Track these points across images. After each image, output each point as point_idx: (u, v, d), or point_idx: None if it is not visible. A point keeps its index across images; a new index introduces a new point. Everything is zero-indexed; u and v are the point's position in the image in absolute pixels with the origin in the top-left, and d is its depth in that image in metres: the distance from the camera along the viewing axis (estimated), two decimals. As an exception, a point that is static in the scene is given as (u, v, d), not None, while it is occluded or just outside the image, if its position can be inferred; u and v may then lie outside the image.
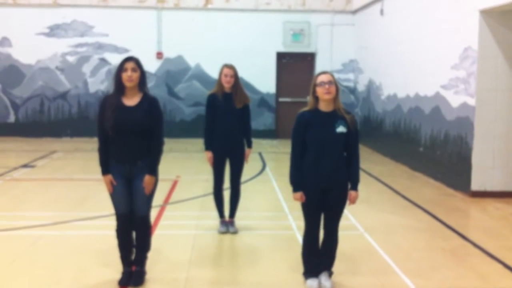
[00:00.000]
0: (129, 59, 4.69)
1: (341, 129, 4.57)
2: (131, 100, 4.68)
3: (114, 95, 4.68)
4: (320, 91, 4.55)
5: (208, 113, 6.42)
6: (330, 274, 4.93)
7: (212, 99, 6.40)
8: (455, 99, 9.18)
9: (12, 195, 8.39)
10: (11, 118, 15.42)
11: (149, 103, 4.72)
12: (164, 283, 4.98)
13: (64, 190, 8.83)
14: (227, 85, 6.29)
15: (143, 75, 4.71)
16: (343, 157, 4.69)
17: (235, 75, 6.32)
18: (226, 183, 6.60)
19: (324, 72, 4.65)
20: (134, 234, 4.85)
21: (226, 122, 6.33)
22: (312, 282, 4.79)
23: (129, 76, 4.59)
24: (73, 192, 8.63)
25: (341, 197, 4.73)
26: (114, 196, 4.75)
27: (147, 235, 4.91)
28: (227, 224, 6.54)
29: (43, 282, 4.95)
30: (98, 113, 4.75)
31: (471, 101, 8.62)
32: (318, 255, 4.83)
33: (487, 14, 8.36)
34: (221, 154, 6.43)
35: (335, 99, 4.60)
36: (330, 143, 4.57)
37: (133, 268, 4.91)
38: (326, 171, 4.60)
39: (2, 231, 6.46)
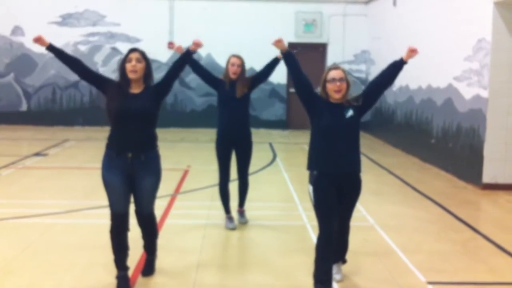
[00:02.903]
0: (134, 49, 4.52)
1: (350, 113, 4.44)
2: (136, 90, 4.52)
3: (119, 83, 4.52)
4: (330, 88, 4.40)
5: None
6: (344, 262, 4.93)
7: (219, 81, 6.33)
8: (468, 91, 9.11)
9: (24, 183, 8.46)
10: (24, 107, 15.53)
11: (154, 87, 4.58)
12: (174, 273, 5.00)
13: (76, 179, 8.89)
14: (233, 75, 6.20)
15: (148, 67, 4.54)
16: (356, 145, 4.52)
17: (242, 65, 6.26)
18: (233, 175, 6.55)
19: (335, 68, 4.47)
20: (129, 235, 4.64)
21: (230, 111, 6.23)
22: None
23: (133, 66, 4.42)
24: (85, 180, 8.68)
25: (355, 190, 4.58)
26: (111, 194, 4.47)
27: (155, 228, 4.86)
28: (234, 221, 6.43)
29: (55, 269, 5.00)
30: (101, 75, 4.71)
31: (484, 93, 8.55)
32: (333, 259, 4.60)
33: (502, 6, 8.28)
34: (226, 145, 6.30)
35: (345, 95, 4.47)
36: (342, 129, 4.42)
37: (144, 255, 4.94)
38: (340, 157, 4.41)
39: (14, 219, 6.52)
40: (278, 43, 4.73)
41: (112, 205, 4.51)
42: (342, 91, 4.42)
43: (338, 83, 4.39)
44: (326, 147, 4.44)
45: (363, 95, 4.60)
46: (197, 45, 4.87)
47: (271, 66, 6.41)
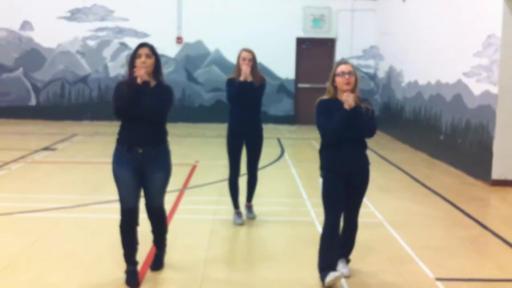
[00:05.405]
0: (143, 45, 4.51)
1: None
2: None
3: (128, 80, 4.50)
4: (339, 81, 4.55)
5: (229, 91, 6.24)
6: (348, 261, 4.93)
7: (230, 82, 6.29)
8: (477, 87, 9.06)
9: (33, 177, 8.50)
10: (33, 101, 15.58)
11: (163, 89, 4.57)
12: (183, 268, 5.01)
13: (84, 173, 8.92)
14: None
15: (158, 62, 4.54)
16: (364, 143, 4.68)
17: (254, 59, 6.23)
18: (243, 170, 6.54)
19: (344, 62, 4.63)
20: (138, 230, 4.65)
21: (242, 106, 6.21)
22: (333, 273, 4.50)
23: (143, 62, 4.42)
24: (93, 175, 8.71)
25: (364, 181, 4.70)
26: (122, 188, 4.50)
27: (164, 222, 4.88)
28: (242, 216, 6.43)
29: (63, 264, 5.02)
30: (113, 95, 4.52)
31: (494, 89, 8.50)
32: (337, 250, 4.69)
33: (511, 2, 8.23)
34: (238, 139, 6.31)
35: (353, 89, 4.59)
36: (350, 130, 4.52)
37: (153, 249, 4.95)
38: (348, 157, 4.56)
39: (23, 213, 6.56)
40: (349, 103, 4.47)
41: (122, 200, 4.53)
42: (351, 84, 4.56)
43: (347, 76, 4.54)
44: (336, 147, 4.57)
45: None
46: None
47: None
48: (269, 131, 13.65)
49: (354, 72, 4.58)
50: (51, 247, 5.45)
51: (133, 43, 15.00)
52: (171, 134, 4.84)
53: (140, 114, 4.43)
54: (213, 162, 9.90)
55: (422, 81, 11.74)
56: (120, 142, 4.54)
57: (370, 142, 4.73)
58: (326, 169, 4.62)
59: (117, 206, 4.62)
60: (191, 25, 15.36)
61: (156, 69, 4.56)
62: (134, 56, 4.50)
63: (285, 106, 15.80)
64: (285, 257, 5.36)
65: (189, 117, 15.24)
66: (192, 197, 7.56)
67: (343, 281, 4.73)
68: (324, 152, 4.67)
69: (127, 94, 4.39)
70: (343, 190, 4.58)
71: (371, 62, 15.75)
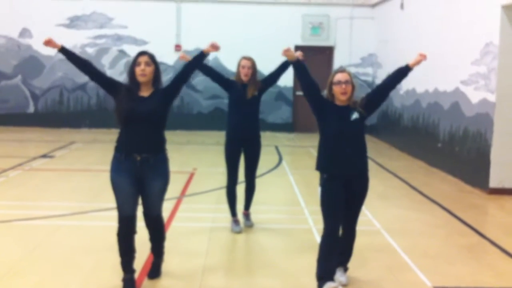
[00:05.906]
0: (143, 53, 4.55)
1: (355, 115, 4.58)
2: (145, 93, 4.55)
3: (129, 86, 4.55)
4: (336, 90, 4.56)
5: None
6: (346, 269, 4.93)
7: (232, 82, 6.30)
8: (475, 95, 9.09)
9: (31, 185, 8.49)
10: (31, 109, 15.59)
11: (162, 90, 4.60)
12: (180, 276, 5.01)
13: (82, 181, 8.91)
14: (245, 77, 6.21)
15: (157, 70, 4.57)
16: (363, 146, 4.65)
17: (253, 67, 6.26)
18: (241, 177, 6.53)
19: (341, 71, 4.62)
20: (136, 238, 4.64)
21: (240, 112, 6.23)
22: (330, 283, 4.46)
23: (142, 70, 4.44)
24: (91, 182, 8.71)
25: (363, 187, 4.67)
26: (119, 196, 4.49)
27: (162, 230, 4.87)
28: (240, 224, 6.41)
29: (61, 271, 5.01)
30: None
31: (491, 97, 8.53)
32: (336, 258, 4.67)
33: (509, 9, 8.25)
34: (236, 146, 6.30)
35: (350, 97, 4.61)
36: (347, 131, 4.55)
37: (151, 256, 4.95)
38: (347, 159, 4.53)
39: (21, 221, 6.55)
40: (286, 52, 4.76)
41: (120, 208, 4.53)
42: (347, 93, 4.57)
43: (343, 86, 4.54)
44: (333, 150, 4.58)
45: (367, 98, 4.71)
46: (215, 47, 4.80)
47: (281, 69, 6.32)
48: (267, 139, 13.67)
49: (351, 80, 4.58)
50: (50, 254, 5.45)
51: (132, 50, 15.04)
52: (169, 142, 4.84)
53: (139, 120, 4.44)
54: (211, 170, 9.90)
55: (420, 89, 11.77)
56: (118, 149, 4.55)
57: (368, 150, 4.72)
58: (326, 172, 4.58)
59: (115, 214, 4.62)
60: (190, 32, 15.39)
61: (156, 78, 4.58)
62: (133, 63, 4.53)
63: (283, 113, 15.82)
64: (283, 264, 5.36)
65: (187, 125, 15.26)
66: (190, 205, 7.56)
67: (341, 289, 4.73)
68: (322, 154, 4.64)
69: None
70: (343, 198, 4.55)
71: (369, 70, 15.79)
